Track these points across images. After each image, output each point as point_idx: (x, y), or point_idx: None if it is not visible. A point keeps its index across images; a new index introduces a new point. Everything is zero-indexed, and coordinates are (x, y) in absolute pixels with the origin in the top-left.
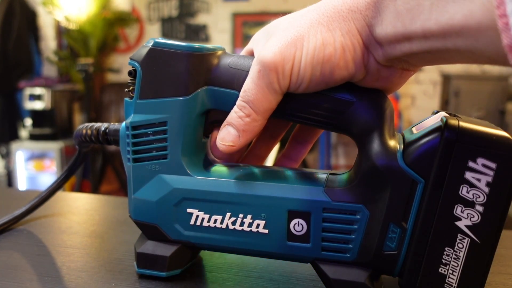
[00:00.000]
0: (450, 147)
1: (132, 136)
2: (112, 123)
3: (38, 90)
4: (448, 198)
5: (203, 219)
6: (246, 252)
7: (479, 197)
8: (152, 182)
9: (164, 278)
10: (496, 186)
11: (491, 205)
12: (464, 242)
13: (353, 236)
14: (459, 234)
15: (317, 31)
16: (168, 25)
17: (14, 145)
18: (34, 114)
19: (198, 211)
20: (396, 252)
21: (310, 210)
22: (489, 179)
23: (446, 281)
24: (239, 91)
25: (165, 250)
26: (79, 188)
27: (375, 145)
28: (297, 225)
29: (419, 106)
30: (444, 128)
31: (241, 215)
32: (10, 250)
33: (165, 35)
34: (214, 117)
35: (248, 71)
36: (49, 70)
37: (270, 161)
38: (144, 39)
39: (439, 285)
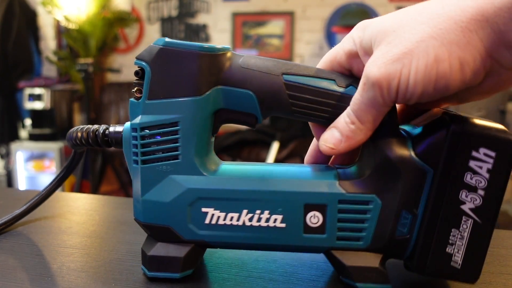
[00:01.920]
0: (457, 138)
1: (141, 137)
2: (112, 125)
3: (37, 90)
4: (455, 184)
5: (218, 217)
6: (262, 247)
7: (481, 182)
8: (163, 183)
9: (165, 279)
10: (495, 172)
11: (490, 189)
12: (468, 223)
13: (367, 225)
14: (463, 217)
15: (429, 46)
16: (168, 25)
17: (13, 145)
18: (34, 114)
19: (214, 210)
20: (408, 236)
21: (326, 203)
22: (489, 166)
23: (452, 259)
24: (252, 90)
25: (179, 251)
26: (79, 188)
27: (387, 139)
28: (313, 218)
29: None
30: (450, 122)
31: (258, 211)
32: (10, 250)
33: (165, 35)
34: (223, 117)
35: (260, 71)
36: (49, 70)
37: (270, 161)
38: (144, 39)
39: (446, 263)
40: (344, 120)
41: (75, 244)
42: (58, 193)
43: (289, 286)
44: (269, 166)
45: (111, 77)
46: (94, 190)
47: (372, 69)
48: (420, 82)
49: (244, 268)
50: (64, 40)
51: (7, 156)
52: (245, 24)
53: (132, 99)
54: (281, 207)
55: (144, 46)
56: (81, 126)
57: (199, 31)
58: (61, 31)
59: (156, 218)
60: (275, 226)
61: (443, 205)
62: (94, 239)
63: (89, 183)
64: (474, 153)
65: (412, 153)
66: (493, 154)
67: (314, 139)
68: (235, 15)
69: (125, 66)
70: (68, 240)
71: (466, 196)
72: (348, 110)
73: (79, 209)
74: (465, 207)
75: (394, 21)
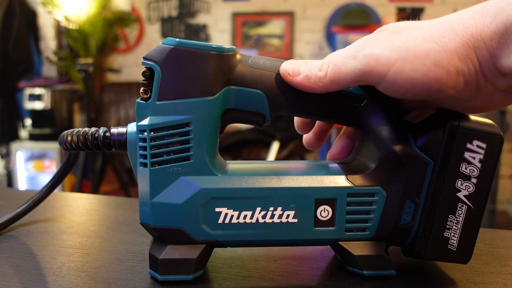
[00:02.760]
0: (454, 132)
1: (150, 139)
2: (112, 127)
3: (38, 90)
4: (452, 174)
5: (232, 216)
6: (274, 243)
7: (474, 171)
8: (175, 185)
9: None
10: (486, 162)
11: (482, 177)
12: (462, 209)
13: (373, 215)
14: (459, 203)
15: (430, 49)
16: (168, 25)
17: (14, 145)
18: (34, 114)
19: (227, 209)
20: (411, 223)
21: (336, 197)
22: (481, 156)
23: (449, 242)
24: (262, 90)
25: (191, 253)
26: (79, 188)
27: (391, 135)
28: (323, 211)
29: None
30: (448, 117)
31: (271, 208)
32: (10, 250)
33: (165, 35)
34: (232, 117)
35: (269, 71)
36: (49, 70)
37: (270, 159)
38: (144, 39)
39: (444, 246)
40: (316, 64)
41: (75, 244)
42: (58, 193)
43: (289, 286)
44: (277, 163)
45: (111, 77)
46: (94, 190)
47: (369, 48)
48: (413, 79)
49: (244, 268)
50: (64, 40)
51: (7, 156)
52: (245, 24)
53: (139, 100)
54: (294, 203)
55: (144, 46)
56: (75, 130)
57: (199, 31)
58: (61, 31)
59: (167, 220)
60: (287, 221)
61: (441, 194)
62: (94, 239)
63: (89, 183)
64: (469, 145)
65: (415, 147)
66: (484, 145)
67: (336, 140)
68: (235, 15)
69: (125, 66)
70: (68, 240)
71: (461, 185)
72: (327, 60)
73: (79, 209)
74: (461, 195)
75: (403, 23)
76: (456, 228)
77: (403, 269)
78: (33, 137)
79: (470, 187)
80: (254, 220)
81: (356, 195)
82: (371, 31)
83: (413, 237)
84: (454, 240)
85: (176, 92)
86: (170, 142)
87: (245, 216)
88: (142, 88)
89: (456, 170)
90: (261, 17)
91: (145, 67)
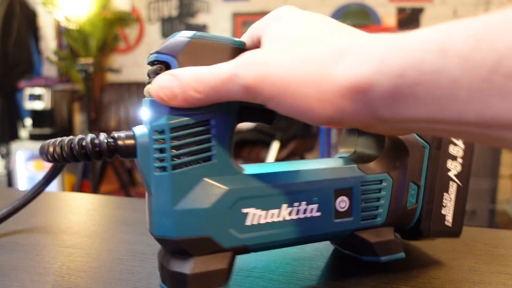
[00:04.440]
0: None
1: (170, 139)
2: (115, 133)
3: (38, 90)
4: (443, 155)
5: (260, 216)
6: (299, 240)
7: (459, 152)
8: (198, 189)
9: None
10: (467, 143)
11: (465, 157)
12: (453, 187)
13: (382, 202)
14: (450, 182)
15: (307, 93)
16: (168, 25)
17: (14, 145)
18: (34, 114)
19: (255, 209)
20: (416, 205)
21: (352, 186)
22: None
23: (446, 219)
24: None
25: (220, 262)
26: (79, 188)
27: None
28: (342, 202)
29: None
30: None
31: (296, 204)
32: (10, 250)
33: (165, 35)
34: (242, 114)
35: None
36: (49, 70)
37: (270, 161)
38: (144, 39)
39: (442, 223)
40: (190, 82)
41: (75, 244)
42: (58, 193)
43: (289, 286)
44: (288, 161)
45: (111, 77)
46: (95, 190)
47: (252, 78)
48: (284, 110)
49: (244, 268)
50: (64, 40)
51: (7, 156)
52: (245, 24)
53: (151, 98)
54: (317, 196)
55: (144, 46)
56: (56, 140)
57: (199, 31)
58: (61, 31)
59: (194, 229)
60: (311, 216)
61: (437, 174)
62: (95, 239)
63: (89, 182)
64: None
65: (415, 134)
66: None
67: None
68: (235, 15)
69: (125, 66)
70: (68, 240)
71: (451, 165)
72: (200, 77)
73: (79, 209)
74: (451, 174)
75: (283, 30)
76: (450, 205)
77: (402, 270)
78: (33, 137)
79: (457, 167)
80: (281, 218)
81: (368, 183)
82: (371, 31)
83: (417, 219)
84: (449, 216)
85: None
86: (191, 142)
87: (272, 215)
88: None
89: (446, 152)
90: (261, 17)
91: (159, 61)
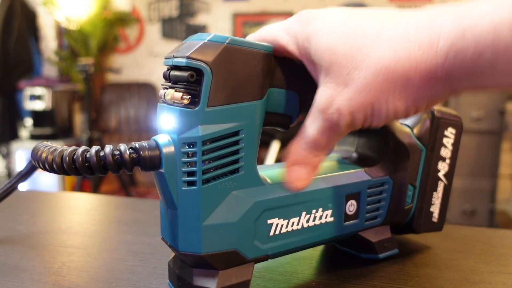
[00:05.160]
0: (438, 122)
1: (202, 152)
2: (132, 144)
3: (38, 90)
4: (435, 157)
5: (282, 226)
6: (313, 245)
7: (448, 153)
8: (227, 202)
9: (166, 279)
10: (454, 145)
11: (452, 158)
12: (441, 186)
13: (383, 203)
14: (439, 181)
15: (388, 100)
16: (168, 25)
17: (14, 145)
18: (35, 114)
19: (278, 219)
20: (411, 205)
21: (360, 190)
22: (452, 141)
23: (433, 216)
24: (296, 91)
25: (245, 274)
26: (79, 188)
27: (397, 130)
28: (351, 206)
29: None
30: (433, 111)
31: (313, 211)
32: (10, 250)
33: (165, 35)
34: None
35: (299, 71)
36: (50, 70)
37: (270, 161)
38: (144, 39)
39: (430, 220)
40: (307, 154)
41: (75, 244)
42: (58, 192)
43: (289, 286)
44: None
45: (111, 77)
46: (95, 190)
47: (338, 116)
48: (382, 123)
49: None
50: (65, 41)
51: (7, 156)
52: (245, 24)
53: (179, 107)
54: (331, 202)
55: (144, 46)
56: (50, 146)
57: (199, 32)
58: (61, 32)
59: (221, 243)
60: (326, 221)
61: (430, 175)
62: (95, 239)
63: (89, 182)
64: (445, 132)
65: (415, 137)
66: (454, 131)
67: None
68: (235, 15)
69: (125, 67)
70: (68, 239)
71: (441, 166)
72: (308, 146)
73: (80, 209)
74: (440, 174)
75: (345, 53)
76: (437, 203)
77: (402, 269)
78: (33, 137)
79: (446, 167)
80: (300, 226)
81: (373, 186)
82: None
83: (411, 216)
84: (436, 213)
85: (228, 96)
86: (221, 154)
87: (293, 224)
88: (183, 93)
89: (438, 154)
90: (261, 17)
91: (189, 67)
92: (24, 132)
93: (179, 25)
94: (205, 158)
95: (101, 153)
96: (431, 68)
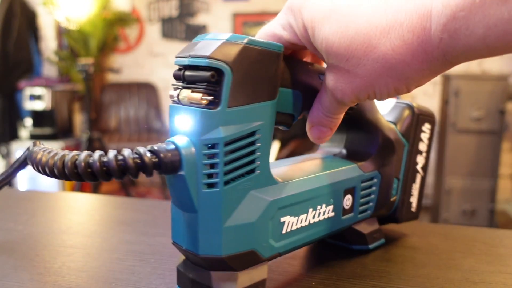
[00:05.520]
0: (417, 118)
1: (224, 153)
2: (151, 146)
3: (38, 90)
4: (415, 151)
5: (292, 223)
6: (315, 240)
7: (424, 147)
8: (245, 202)
9: (166, 279)
10: (429, 139)
11: (428, 151)
12: (418, 177)
13: (373, 196)
14: (417, 174)
15: (388, 82)
16: (168, 25)
17: (14, 145)
18: (35, 114)
19: (289, 217)
20: (395, 197)
21: (355, 185)
22: (428, 135)
23: (412, 206)
24: (300, 90)
25: (261, 273)
26: (79, 188)
27: (385, 127)
28: (347, 200)
29: None
30: (413, 108)
31: (318, 207)
32: (10, 250)
33: (165, 35)
34: None
35: (306, 69)
36: (49, 70)
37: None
38: (144, 39)
39: (410, 209)
40: (325, 117)
41: (75, 244)
42: (58, 193)
43: (289, 286)
44: (290, 161)
45: (111, 78)
46: (95, 190)
47: (342, 95)
48: (382, 99)
49: None
50: (64, 41)
51: (7, 156)
52: (245, 24)
53: (198, 108)
54: (332, 197)
55: (144, 46)
56: (53, 151)
57: (199, 32)
58: (61, 32)
59: (241, 244)
60: (328, 216)
61: (410, 168)
62: (95, 239)
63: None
64: (423, 127)
65: (399, 133)
66: (430, 127)
67: None
68: (235, 15)
69: (125, 67)
70: (68, 239)
71: (418, 159)
72: (325, 112)
73: (80, 209)
74: (418, 167)
75: (341, 41)
76: (415, 193)
77: (402, 269)
78: (33, 137)
79: (422, 160)
80: (307, 222)
81: (365, 180)
82: None
83: (395, 207)
84: (415, 203)
85: (246, 97)
86: (240, 155)
87: (301, 220)
88: (202, 94)
89: (417, 148)
90: (261, 17)
91: (210, 68)
92: (24, 132)
93: (179, 25)
94: (226, 159)
95: (120, 157)
96: (426, 51)
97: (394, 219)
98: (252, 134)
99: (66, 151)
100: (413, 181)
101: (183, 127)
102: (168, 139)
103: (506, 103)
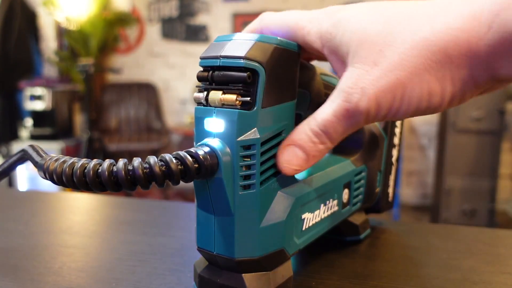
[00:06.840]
0: None
1: (260, 154)
2: (191, 149)
3: (38, 91)
4: (391, 145)
5: (309, 219)
6: (322, 235)
7: (397, 141)
8: (276, 202)
9: (166, 279)
10: (401, 133)
11: (399, 145)
12: (393, 169)
13: (362, 189)
14: (392, 166)
15: (423, 80)
16: (168, 26)
17: (14, 145)
18: (35, 114)
19: (308, 214)
20: (378, 188)
21: (351, 179)
22: (399, 130)
23: (389, 196)
24: (309, 90)
25: (287, 271)
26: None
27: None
28: (345, 194)
29: None
30: None
31: (328, 202)
32: (10, 250)
33: (165, 35)
34: None
35: (314, 71)
36: (50, 71)
37: None
38: (144, 40)
39: (387, 200)
40: (310, 139)
41: (75, 244)
42: (58, 193)
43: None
44: None
45: (111, 78)
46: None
47: (360, 97)
48: (409, 114)
49: None
50: (65, 41)
51: (7, 156)
52: (245, 25)
53: (232, 109)
54: (336, 192)
55: (144, 46)
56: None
57: (199, 32)
58: (62, 32)
59: (274, 243)
60: (333, 211)
61: (388, 161)
62: (95, 239)
63: None
64: (396, 122)
65: (380, 128)
66: (400, 122)
67: None
68: (235, 16)
69: (125, 67)
70: (68, 240)
71: (393, 152)
72: (318, 131)
73: (80, 209)
74: (393, 159)
75: (377, 31)
76: (391, 184)
77: (402, 269)
78: (33, 137)
79: (396, 153)
80: (319, 218)
81: (357, 174)
82: None
83: (377, 199)
84: (391, 193)
85: (276, 97)
86: (271, 156)
87: (315, 216)
88: (237, 95)
89: (392, 141)
90: None
91: (246, 68)
92: (24, 132)
93: (179, 25)
94: (261, 160)
95: (160, 162)
96: (472, 40)
97: (376, 210)
98: (280, 134)
99: (81, 160)
100: (390, 173)
101: (215, 129)
102: (201, 142)
103: (506, 103)
